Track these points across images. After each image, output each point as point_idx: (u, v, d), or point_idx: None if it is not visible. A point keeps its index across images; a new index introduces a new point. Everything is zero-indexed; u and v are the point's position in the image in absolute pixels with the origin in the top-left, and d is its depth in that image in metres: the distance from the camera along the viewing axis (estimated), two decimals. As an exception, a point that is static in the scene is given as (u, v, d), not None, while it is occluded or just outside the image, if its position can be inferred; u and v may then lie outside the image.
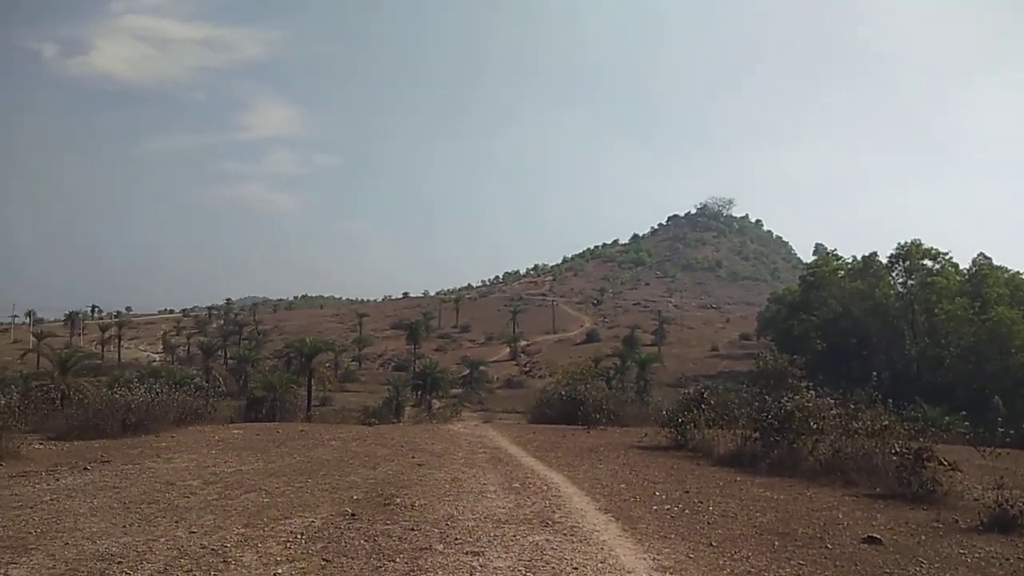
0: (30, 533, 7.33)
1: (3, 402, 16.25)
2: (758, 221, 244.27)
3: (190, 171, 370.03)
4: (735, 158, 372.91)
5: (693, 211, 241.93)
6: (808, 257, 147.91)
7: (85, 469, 11.96)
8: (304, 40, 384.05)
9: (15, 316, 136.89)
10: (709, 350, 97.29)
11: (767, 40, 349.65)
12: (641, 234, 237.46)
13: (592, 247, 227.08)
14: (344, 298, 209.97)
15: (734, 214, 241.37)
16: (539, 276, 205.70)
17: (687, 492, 10.48)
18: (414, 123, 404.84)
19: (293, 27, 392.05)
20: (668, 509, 9.25)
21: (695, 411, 16.61)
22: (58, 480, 10.84)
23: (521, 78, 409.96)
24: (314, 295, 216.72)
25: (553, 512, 8.83)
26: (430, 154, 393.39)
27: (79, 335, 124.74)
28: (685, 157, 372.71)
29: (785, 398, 14.07)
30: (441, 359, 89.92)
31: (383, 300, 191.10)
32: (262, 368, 72.22)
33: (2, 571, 5.96)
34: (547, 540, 7.39)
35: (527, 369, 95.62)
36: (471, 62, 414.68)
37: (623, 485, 11.03)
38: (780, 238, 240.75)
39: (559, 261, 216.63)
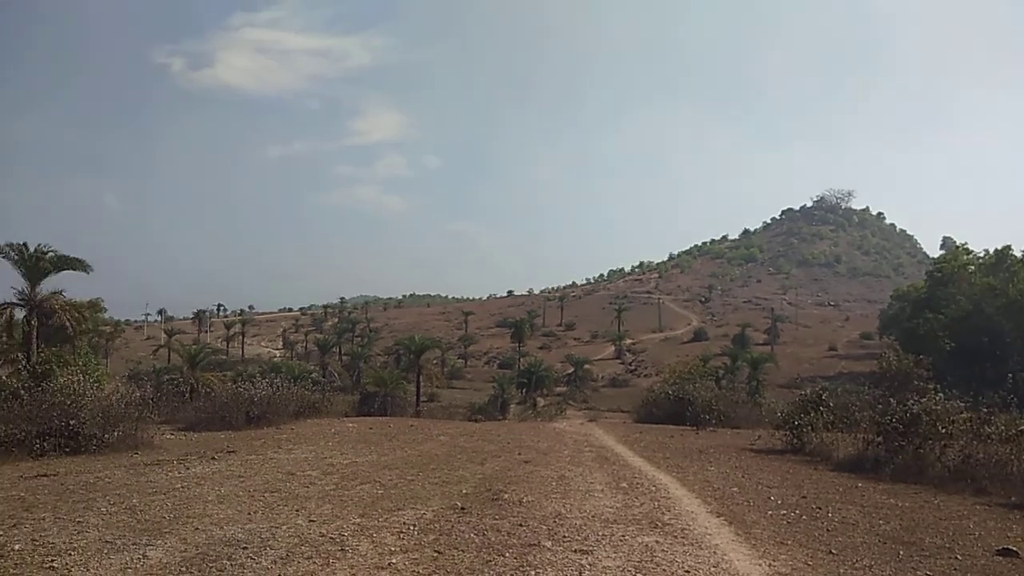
0: (164, 518, 7.85)
1: (138, 395, 17.57)
2: (880, 214, 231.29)
3: (307, 176, 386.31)
4: (855, 148, 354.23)
5: (809, 204, 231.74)
6: (935, 251, 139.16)
7: (213, 459, 12.73)
8: (410, 46, 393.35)
9: (148, 314, 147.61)
10: (826, 350, 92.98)
11: (891, 27, 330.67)
12: (752, 229, 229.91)
13: (700, 243, 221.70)
14: (450, 296, 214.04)
15: (853, 206, 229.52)
16: (644, 273, 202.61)
17: (804, 497, 10.10)
18: (520, 122, 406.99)
19: (400, 34, 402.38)
20: (784, 515, 8.93)
21: (812, 413, 15.99)
22: (188, 469, 11.57)
23: (629, 73, 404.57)
24: (422, 294, 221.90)
25: (662, 513, 8.69)
26: (536, 153, 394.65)
27: (206, 332, 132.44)
28: (801, 148, 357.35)
29: (911, 401, 13.39)
30: (546, 357, 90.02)
31: (488, 298, 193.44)
32: (374, 364, 74.60)
33: (140, 552, 6.41)
34: (657, 542, 7.28)
35: (632, 368, 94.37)
36: (576, 59, 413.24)
37: (735, 488, 10.74)
38: (904, 231, 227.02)
39: (665, 258, 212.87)
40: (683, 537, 7.56)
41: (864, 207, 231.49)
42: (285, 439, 16.29)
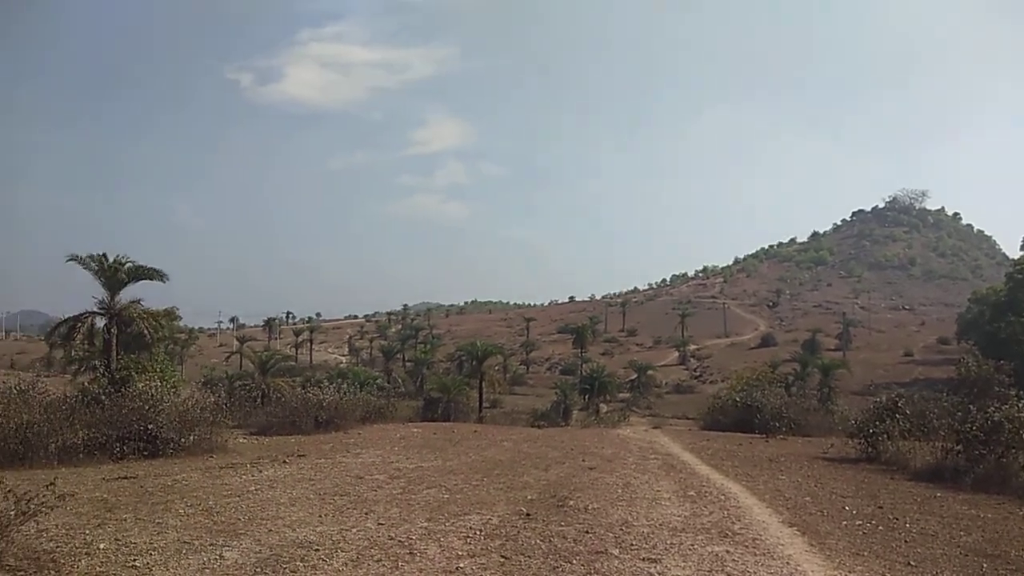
0: (239, 519, 8.07)
1: (212, 400, 18.12)
2: (956, 214, 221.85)
3: (370, 186, 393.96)
4: (929, 148, 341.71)
5: (881, 205, 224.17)
6: (1015, 252, 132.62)
7: (284, 462, 13.03)
8: (471, 55, 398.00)
9: (220, 322, 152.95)
10: (902, 355, 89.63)
11: (965, 23, 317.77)
12: (822, 231, 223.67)
13: (766, 247, 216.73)
14: (511, 303, 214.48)
15: (928, 207, 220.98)
16: (708, 278, 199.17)
17: (880, 508, 9.74)
18: (581, 128, 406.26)
19: (460, 44, 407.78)
20: (860, 525, 8.63)
21: (888, 421, 15.43)
22: (261, 472, 11.88)
23: (694, 77, 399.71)
24: (483, 300, 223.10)
25: (732, 523, 8.51)
26: (598, 158, 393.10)
27: (276, 339, 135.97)
28: (872, 148, 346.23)
29: (992, 408, 12.78)
30: (608, 363, 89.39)
31: (549, 304, 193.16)
32: (437, 370, 75.28)
33: (217, 553, 6.61)
34: (727, 551, 7.13)
35: (697, 374, 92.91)
36: (640, 64, 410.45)
37: (808, 498, 10.44)
38: (982, 232, 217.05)
39: (730, 262, 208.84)
40: (754, 547, 7.38)
41: (939, 207, 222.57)
42: (353, 443, 16.57)
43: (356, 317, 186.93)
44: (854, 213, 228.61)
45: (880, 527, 8.54)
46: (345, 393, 22.11)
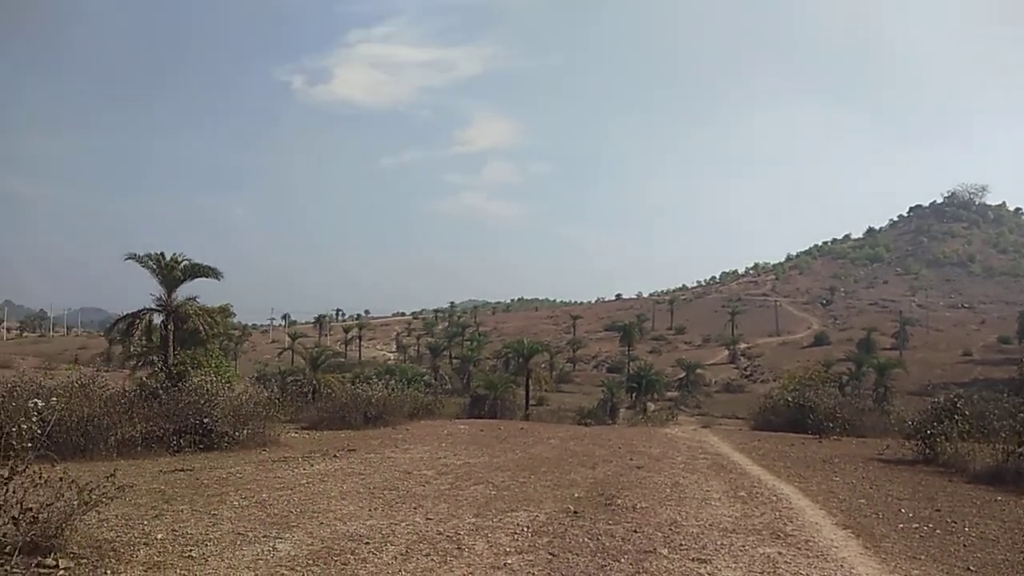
0: (291, 512, 8.21)
1: (265, 395, 18.47)
2: (1018, 209, 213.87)
3: (418, 184, 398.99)
4: (988, 141, 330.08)
5: (939, 200, 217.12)
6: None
7: (334, 456, 13.23)
8: (519, 54, 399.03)
9: (273, 319, 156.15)
10: (960, 355, 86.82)
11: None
12: (878, 227, 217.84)
13: (820, 243, 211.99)
14: (558, 300, 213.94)
15: (988, 202, 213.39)
16: (760, 275, 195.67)
17: (938, 511, 9.44)
18: (629, 126, 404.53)
19: (508, 42, 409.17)
20: (916, 528, 8.38)
21: (946, 422, 14.94)
22: (312, 466, 12.07)
23: (745, 73, 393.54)
24: (529, 298, 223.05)
25: (784, 524, 8.34)
26: (645, 156, 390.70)
27: (326, 335, 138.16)
28: (930, 143, 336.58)
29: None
30: (656, 361, 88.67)
31: (596, 302, 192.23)
32: (483, 368, 75.70)
33: (270, 544, 6.74)
34: (779, 553, 7.00)
35: (748, 373, 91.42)
36: (687, 62, 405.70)
37: (863, 500, 10.18)
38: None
39: (782, 259, 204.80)
40: (807, 549, 7.23)
41: (1000, 202, 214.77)
42: (401, 439, 16.73)
43: (403, 314, 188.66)
44: (911, 209, 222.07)
45: (938, 531, 8.28)
46: (393, 389, 22.34)
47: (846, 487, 11.29)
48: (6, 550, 5.57)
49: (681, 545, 7.14)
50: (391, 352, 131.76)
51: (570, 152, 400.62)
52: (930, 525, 8.54)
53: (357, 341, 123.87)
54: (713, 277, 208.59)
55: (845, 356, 74.23)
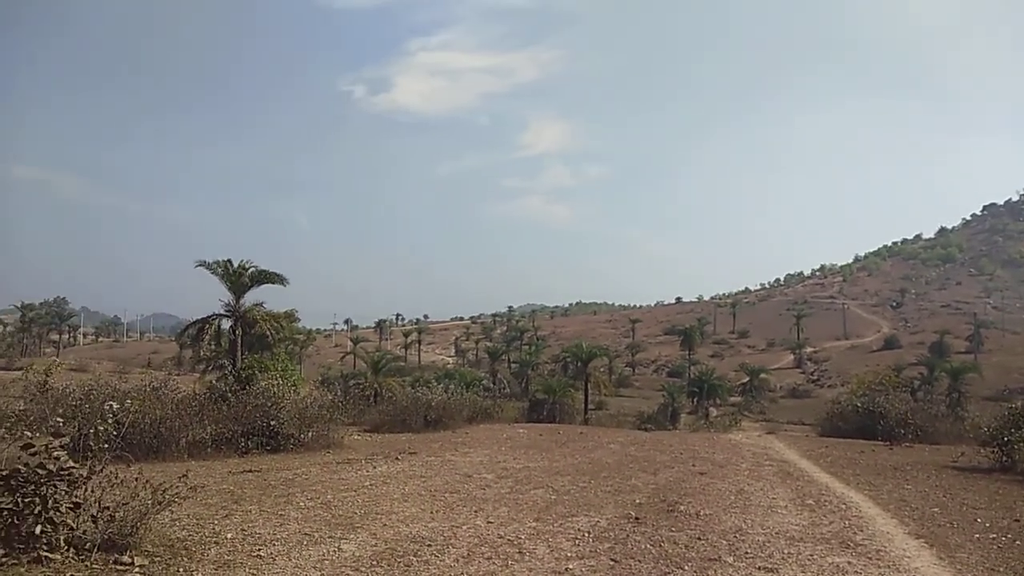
0: (355, 513, 8.34)
1: (329, 398, 18.82)
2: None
3: (476, 190, 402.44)
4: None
5: (1014, 198, 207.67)
6: None
7: (396, 459, 13.39)
8: (577, 57, 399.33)
9: (335, 323, 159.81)
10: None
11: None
12: (950, 227, 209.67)
13: (889, 243, 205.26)
14: (616, 304, 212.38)
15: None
16: (826, 277, 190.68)
17: (1017, 520, 9.01)
18: (688, 126, 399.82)
19: (566, 46, 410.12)
20: (994, 539, 8.01)
21: (1024, 428, 14.26)
22: (375, 468, 12.25)
23: (813, 70, 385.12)
24: (588, 301, 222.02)
25: (854, 533, 8.08)
26: (705, 157, 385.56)
27: (386, 340, 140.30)
28: (1004, 139, 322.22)
29: None
30: (718, 365, 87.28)
31: (655, 305, 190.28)
32: (542, 372, 75.53)
33: (336, 545, 6.85)
34: (849, 563, 6.79)
35: (814, 378, 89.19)
36: (751, 60, 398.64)
37: (936, 509, 9.79)
38: None
39: (849, 260, 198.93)
40: (878, 559, 6.98)
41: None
42: (460, 442, 16.83)
43: (462, 319, 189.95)
44: (985, 207, 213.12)
45: (1017, 541, 7.90)
46: (452, 393, 22.52)
47: (919, 495, 10.88)
48: (86, 547, 5.80)
49: (747, 553, 6.98)
50: (450, 356, 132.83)
51: (627, 153, 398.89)
52: (1009, 536, 8.16)
53: (416, 345, 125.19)
54: (777, 279, 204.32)
55: (917, 360, 71.77)
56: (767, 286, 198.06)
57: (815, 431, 28.05)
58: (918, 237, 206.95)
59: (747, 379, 77.22)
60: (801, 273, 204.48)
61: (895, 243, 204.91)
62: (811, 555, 7.02)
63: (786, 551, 7.13)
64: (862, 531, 8.22)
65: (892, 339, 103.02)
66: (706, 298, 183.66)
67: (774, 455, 16.40)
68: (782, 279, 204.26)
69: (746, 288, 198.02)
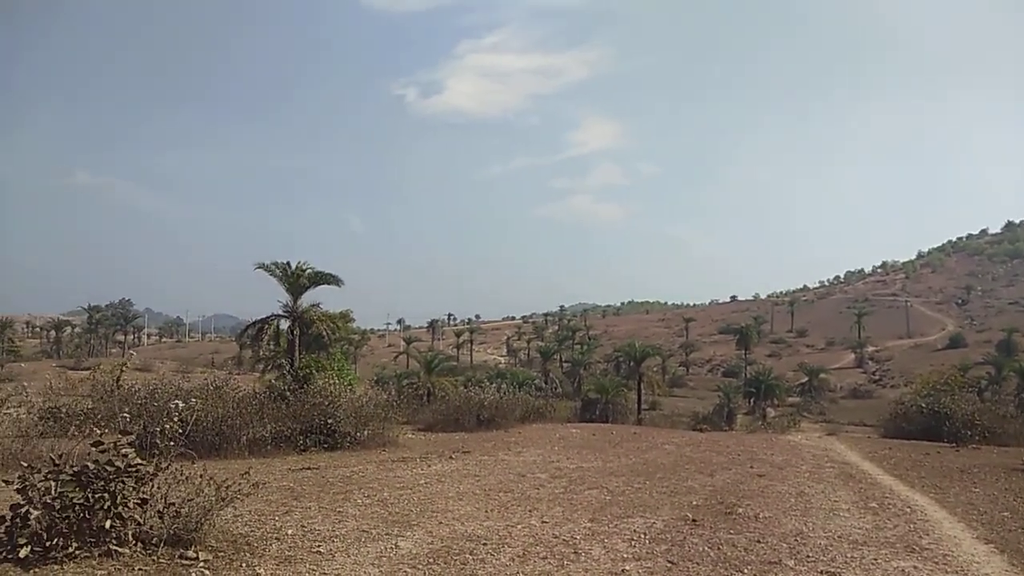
0: (411, 511, 8.42)
1: (384, 397, 19.07)
2: None
3: (527, 190, 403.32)
4: None
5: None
6: None
7: (450, 458, 13.49)
8: (626, 55, 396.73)
9: (389, 323, 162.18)
10: (1115, 357, 79.14)
11: None
12: (1017, 221, 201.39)
13: (954, 239, 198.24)
14: (669, 303, 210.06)
15: None
16: (888, 274, 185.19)
17: (1095, 526, 8.60)
18: (741, 122, 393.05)
19: (615, 44, 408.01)
20: (1069, 546, 7.66)
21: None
22: (429, 466, 12.36)
23: (868, 64, 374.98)
24: (640, 300, 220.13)
25: (920, 537, 7.83)
26: (760, 152, 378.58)
27: (439, 340, 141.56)
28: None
29: None
30: (775, 365, 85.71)
31: (710, 304, 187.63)
32: (594, 371, 75.14)
33: (393, 542, 6.93)
34: (915, 567, 6.58)
35: (876, 378, 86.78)
36: (804, 55, 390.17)
37: (1006, 513, 9.41)
38: None
39: (912, 256, 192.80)
40: (945, 564, 6.75)
41: None
42: (513, 442, 16.86)
43: (513, 318, 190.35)
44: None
45: (1097, 548, 7.54)
46: (505, 393, 22.56)
47: (987, 499, 10.48)
48: (152, 541, 5.98)
49: (808, 557, 6.82)
50: (501, 356, 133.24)
51: (679, 151, 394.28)
52: (1086, 543, 7.80)
53: (468, 345, 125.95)
54: (837, 277, 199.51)
55: (983, 359, 69.30)
56: (826, 283, 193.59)
57: (877, 432, 27.35)
58: (984, 232, 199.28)
59: (806, 379, 75.64)
60: (862, 270, 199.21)
61: (960, 238, 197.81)
62: (875, 559, 6.83)
63: (849, 555, 6.95)
64: (928, 535, 7.96)
65: (957, 337, 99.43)
66: (762, 296, 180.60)
67: (835, 457, 16.01)
68: (842, 276, 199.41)
69: (804, 286, 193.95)
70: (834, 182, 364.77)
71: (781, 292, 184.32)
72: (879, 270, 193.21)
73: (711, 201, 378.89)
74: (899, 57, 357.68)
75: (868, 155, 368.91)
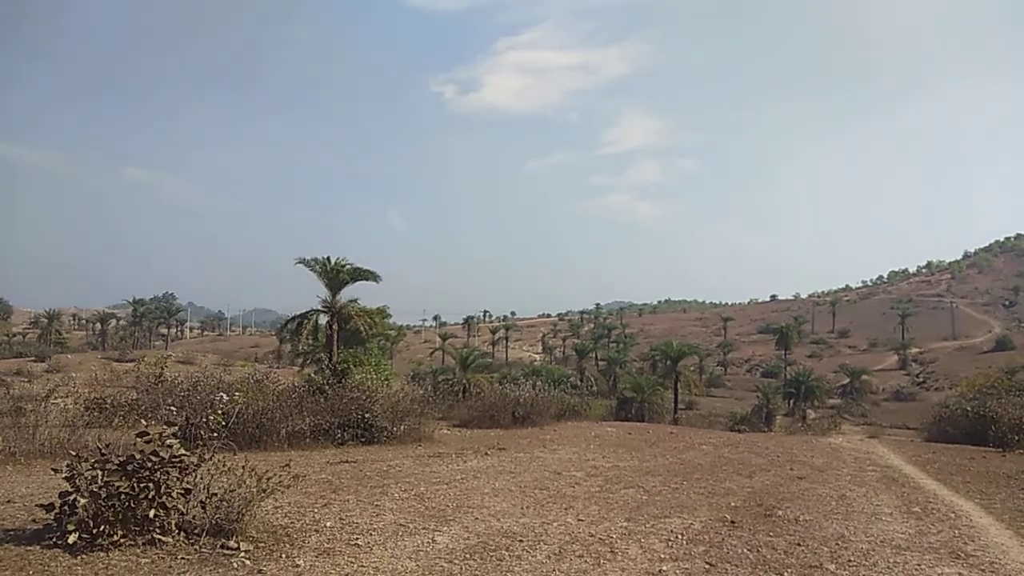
0: (448, 506, 8.46)
1: (420, 393, 19.20)
2: None
3: (564, 187, 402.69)
4: None
5: None
6: None
7: (485, 454, 13.52)
8: (666, 50, 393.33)
9: (424, 320, 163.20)
10: None
11: None
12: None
13: (1002, 239, 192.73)
14: (707, 301, 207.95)
15: None
16: (933, 274, 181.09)
17: None
18: (783, 119, 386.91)
19: (655, 40, 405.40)
20: (1124, 556, 7.41)
21: None
22: (465, 462, 12.40)
23: (916, 60, 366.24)
24: (677, 299, 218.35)
25: (965, 543, 7.64)
26: (802, 150, 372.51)
27: (474, 336, 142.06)
28: None
29: None
30: (815, 366, 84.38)
31: (748, 303, 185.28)
32: (630, 370, 74.79)
33: (430, 536, 6.97)
34: (960, 574, 6.44)
35: (920, 380, 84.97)
36: (850, 51, 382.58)
37: (1057, 521, 9.13)
38: None
39: (958, 256, 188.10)
40: (992, 571, 6.59)
41: None
42: (549, 439, 16.85)
43: (549, 316, 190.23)
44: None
45: None
46: (540, 390, 22.56)
47: (1036, 506, 10.18)
48: (195, 531, 6.10)
49: (850, 561, 6.69)
50: (537, 353, 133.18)
51: (719, 148, 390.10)
52: None
53: (504, 342, 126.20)
54: (880, 276, 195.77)
55: (1032, 362, 67.24)
56: (869, 283, 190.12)
57: (920, 436, 26.80)
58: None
59: (847, 380, 74.44)
60: (906, 270, 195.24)
61: (1008, 238, 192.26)
62: (918, 565, 6.69)
63: (892, 560, 6.81)
64: (973, 541, 7.77)
65: (1004, 340, 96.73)
66: (803, 296, 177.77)
67: (877, 460, 15.71)
68: (885, 276, 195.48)
69: (846, 285, 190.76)
70: (879, 180, 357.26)
71: (822, 292, 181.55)
72: (924, 270, 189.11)
73: (753, 199, 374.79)
74: (948, 55, 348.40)
75: (913, 154, 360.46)
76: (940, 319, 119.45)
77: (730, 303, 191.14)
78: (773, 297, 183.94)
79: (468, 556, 6.32)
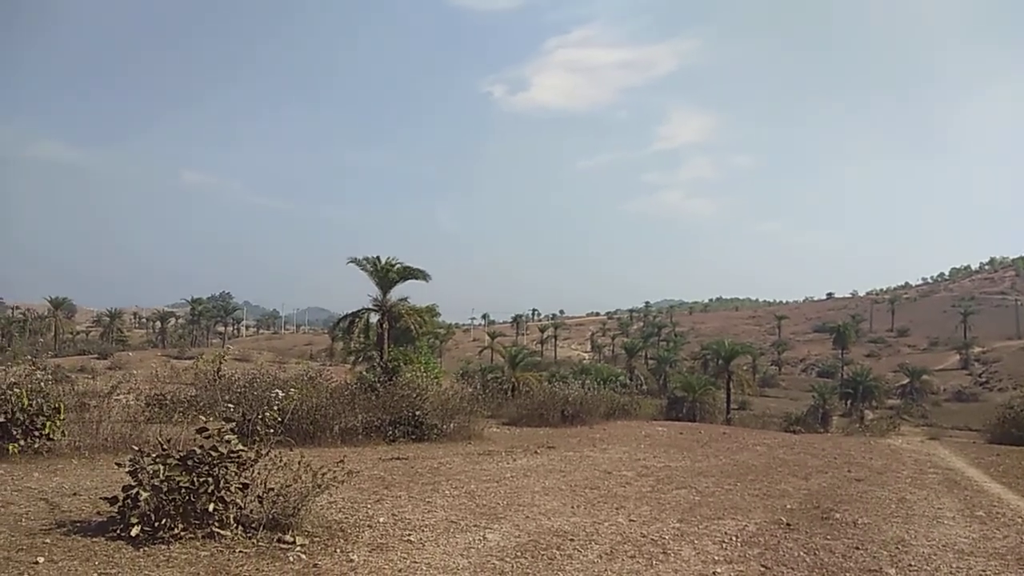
0: (498, 504, 8.49)
1: (469, 391, 19.30)
2: None
3: (615, 185, 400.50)
4: None
5: None
6: None
7: (535, 453, 13.52)
8: (717, 46, 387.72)
9: (473, 318, 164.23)
10: None
11: None
12: None
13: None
14: (760, 300, 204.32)
15: None
16: (997, 271, 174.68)
17: None
18: (839, 114, 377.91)
19: (706, 35, 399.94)
20: None
21: None
22: (515, 460, 12.42)
23: (971, 52, 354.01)
24: (729, 297, 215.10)
25: (1035, 550, 7.35)
26: (858, 145, 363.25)
27: (523, 335, 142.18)
28: None
29: None
30: (873, 366, 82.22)
31: (804, 301, 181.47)
32: (680, 369, 73.97)
33: (481, 534, 7.00)
34: (1031, 583, 6.19)
35: (983, 380, 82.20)
36: (905, 45, 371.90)
37: None
38: None
39: (1023, 253, 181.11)
40: (1062, 580, 6.33)
41: None
42: (599, 438, 16.78)
43: (598, 314, 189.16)
44: None
45: None
46: (589, 389, 22.49)
47: (1111, 512, 9.74)
48: (252, 525, 6.24)
49: (911, 566, 6.51)
50: (586, 352, 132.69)
51: (773, 144, 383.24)
52: None
53: (552, 340, 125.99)
54: (941, 274, 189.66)
55: (1106, 363, 64.48)
56: (929, 281, 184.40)
57: (983, 437, 26.00)
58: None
59: (907, 380, 72.50)
60: (968, 267, 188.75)
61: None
62: (983, 571, 6.47)
63: (954, 565, 6.60)
64: (1043, 548, 7.47)
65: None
66: (861, 293, 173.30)
67: (938, 462, 15.26)
68: (946, 273, 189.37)
69: (906, 283, 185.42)
70: (940, 176, 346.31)
71: (881, 289, 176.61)
72: (987, 267, 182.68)
73: (808, 195, 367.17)
74: (1002, 46, 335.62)
75: (976, 147, 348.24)
76: (1004, 317, 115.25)
77: (784, 301, 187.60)
78: (829, 295, 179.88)
79: (519, 554, 6.33)
